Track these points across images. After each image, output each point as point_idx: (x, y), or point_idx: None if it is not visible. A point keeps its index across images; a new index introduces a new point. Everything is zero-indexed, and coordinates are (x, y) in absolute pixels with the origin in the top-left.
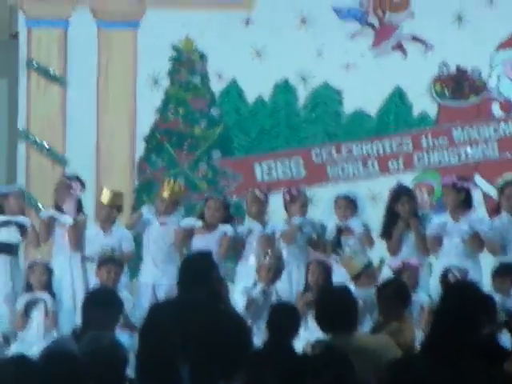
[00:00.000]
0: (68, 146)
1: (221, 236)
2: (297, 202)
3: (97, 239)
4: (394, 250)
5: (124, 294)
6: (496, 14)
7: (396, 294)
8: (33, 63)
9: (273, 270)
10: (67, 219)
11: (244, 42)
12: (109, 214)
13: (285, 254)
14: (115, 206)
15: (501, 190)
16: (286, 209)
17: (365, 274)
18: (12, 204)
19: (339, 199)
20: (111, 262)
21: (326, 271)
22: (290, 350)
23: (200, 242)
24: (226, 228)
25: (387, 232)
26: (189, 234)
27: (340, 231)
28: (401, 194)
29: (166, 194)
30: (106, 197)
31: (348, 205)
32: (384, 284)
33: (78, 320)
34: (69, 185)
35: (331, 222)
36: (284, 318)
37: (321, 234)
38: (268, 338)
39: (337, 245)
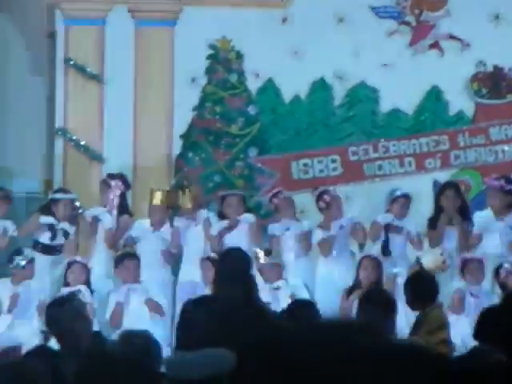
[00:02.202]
0: (105, 144)
1: (247, 225)
2: (333, 206)
3: (148, 236)
4: (434, 242)
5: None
6: None
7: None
8: (70, 61)
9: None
10: (107, 221)
11: (281, 40)
12: (162, 216)
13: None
14: (169, 205)
15: None
16: (320, 211)
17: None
18: (60, 210)
19: (400, 197)
20: (133, 255)
21: (379, 267)
22: None
23: (229, 240)
24: (248, 217)
25: (431, 223)
26: (221, 235)
27: (388, 229)
28: (445, 187)
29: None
30: (158, 197)
31: (406, 203)
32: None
33: None
34: (108, 183)
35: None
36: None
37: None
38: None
39: (386, 243)
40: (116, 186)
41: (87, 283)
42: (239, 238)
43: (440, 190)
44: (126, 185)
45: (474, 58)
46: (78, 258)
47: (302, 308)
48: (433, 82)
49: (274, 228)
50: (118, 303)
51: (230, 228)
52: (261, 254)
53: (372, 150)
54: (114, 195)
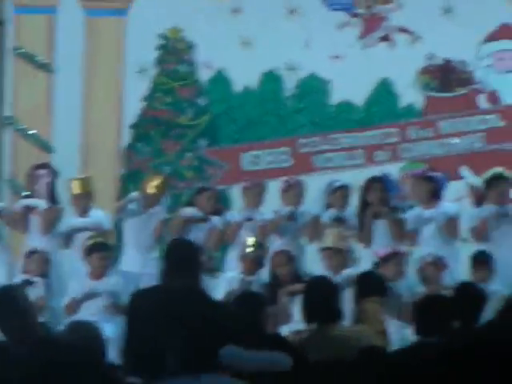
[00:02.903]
0: (54, 134)
1: (211, 228)
2: (290, 191)
3: (72, 221)
4: (365, 240)
5: (113, 278)
6: (483, 6)
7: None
8: (20, 50)
9: (255, 261)
10: (40, 203)
11: (232, 31)
12: (86, 203)
13: (279, 244)
14: (88, 192)
15: (488, 184)
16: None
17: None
18: None
19: (339, 188)
20: (103, 248)
21: (291, 260)
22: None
23: (194, 232)
24: (217, 221)
25: (360, 222)
26: (187, 223)
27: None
28: (371, 182)
29: (150, 190)
30: (77, 186)
31: (346, 194)
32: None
33: None
34: (34, 173)
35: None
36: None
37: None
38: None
39: None
40: (44, 175)
41: (45, 275)
42: (202, 233)
43: (366, 184)
44: (54, 174)
45: (424, 51)
46: (39, 248)
47: (250, 298)
48: (383, 74)
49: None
50: (77, 294)
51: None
52: (252, 242)
53: (322, 141)
54: (44, 184)
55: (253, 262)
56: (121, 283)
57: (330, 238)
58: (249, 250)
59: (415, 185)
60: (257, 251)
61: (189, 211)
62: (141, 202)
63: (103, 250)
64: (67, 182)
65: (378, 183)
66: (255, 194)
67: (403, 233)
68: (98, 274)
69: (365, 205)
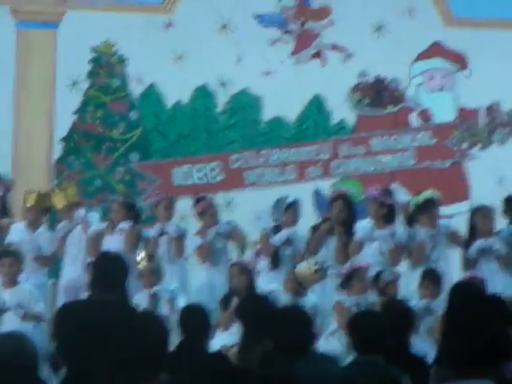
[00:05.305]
0: None
1: (121, 233)
2: (207, 213)
3: (22, 236)
4: (310, 251)
5: (27, 286)
6: (415, 24)
7: None
8: None
9: (151, 273)
10: None
11: (164, 46)
12: (36, 217)
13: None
14: (43, 207)
15: (421, 208)
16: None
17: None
18: None
19: (292, 205)
20: (12, 255)
21: (247, 273)
22: (203, 351)
23: (107, 244)
24: (122, 225)
25: (314, 231)
26: (98, 237)
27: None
28: (334, 198)
29: (59, 205)
30: (31, 199)
31: (298, 210)
32: None
33: None
34: None
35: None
36: (194, 320)
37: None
38: (182, 339)
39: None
40: None
41: None
42: (117, 244)
43: (330, 199)
44: (6, 187)
45: (356, 69)
46: None
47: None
48: (315, 91)
49: (148, 231)
50: None
51: (110, 231)
52: (141, 257)
53: (254, 157)
54: None
55: (149, 275)
56: (33, 290)
57: (301, 267)
58: (141, 265)
59: (368, 205)
60: (149, 264)
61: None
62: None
63: (11, 257)
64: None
65: (339, 201)
66: (165, 208)
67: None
68: (6, 282)
69: (324, 219)
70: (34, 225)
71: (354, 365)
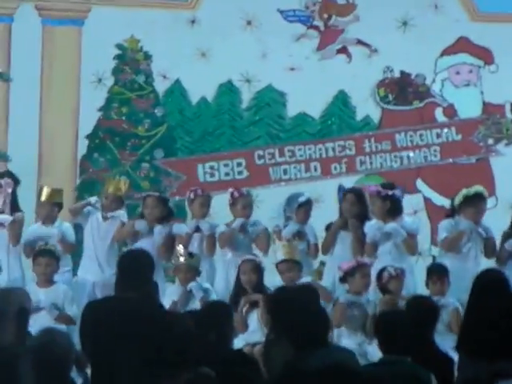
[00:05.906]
0: (10, 143)
1: (157, 236)
2: (238, 204)
3: (38, 230)
4: (324, 248)
5: (62, 287)
6: (441, 19)
7: None
8: None
9: (189, 269)
10: (4, 218)
11: (189, 42)
12: (49, 212)
13: (230, 255)
14: (55, 203)
15: (469, 199)
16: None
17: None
18: None
19: (305, 203)
20: (48, 254)
21: (258, 269)
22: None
23: (142, 243)
24: (158, 229)
25: (328, 228)
26: (135, 234)
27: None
28: (346, 192)
29: (110, 189)
30: (45, 194)
31: (310, 208)
32: None
33: None
34: None
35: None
36: (218, 316)
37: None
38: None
39: None
40: (6, 185)
41: None
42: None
43: (343, 195)
44: (15, 181)
45: (381, 64)
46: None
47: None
48: (340, 86)
49: (179, 227)
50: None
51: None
52: (181, 253)
53: (278, 154)
54: (6, 193)
55: (187, 271)
56: (69, 292)
57: (281, 251)
58: (180, 259)
59: (371, 202)
60: (189, 260)
61: (140, 224)
62: (101, 208)
63: (47, 256)
64: (25, 191)
65: (350, 194)
66: (201, 205)
67: (364, 246)
68: (42, 281)
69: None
70: (48, 219)
71: (380, 364)
